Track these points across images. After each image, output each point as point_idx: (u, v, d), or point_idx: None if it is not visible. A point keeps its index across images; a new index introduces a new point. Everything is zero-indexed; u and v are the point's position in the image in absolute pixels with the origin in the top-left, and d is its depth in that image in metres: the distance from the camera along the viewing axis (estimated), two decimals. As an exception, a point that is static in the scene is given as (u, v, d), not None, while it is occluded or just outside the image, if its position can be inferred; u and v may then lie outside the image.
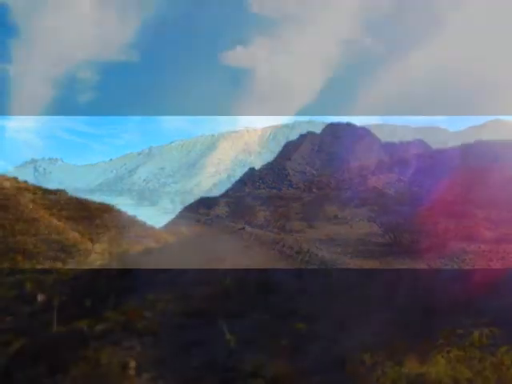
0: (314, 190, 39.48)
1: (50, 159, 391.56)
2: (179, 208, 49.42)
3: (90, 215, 20.50)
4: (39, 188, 23.42)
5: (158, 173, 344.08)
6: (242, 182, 48.95)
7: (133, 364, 6.61)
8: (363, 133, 61.99)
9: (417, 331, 6.71)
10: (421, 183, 35.01)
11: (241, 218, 28.83)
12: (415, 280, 10.39)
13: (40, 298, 10.27)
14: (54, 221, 18.37)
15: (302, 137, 60.43)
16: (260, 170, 51.41)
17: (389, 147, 59.42)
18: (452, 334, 6.17)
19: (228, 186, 55.82)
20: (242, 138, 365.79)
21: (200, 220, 32.82)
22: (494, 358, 5.47)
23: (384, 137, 73.72)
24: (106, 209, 21.91)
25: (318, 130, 67.67)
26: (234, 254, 14.36)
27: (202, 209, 37.59)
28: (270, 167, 51.29)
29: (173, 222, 35.49)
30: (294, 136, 67.07)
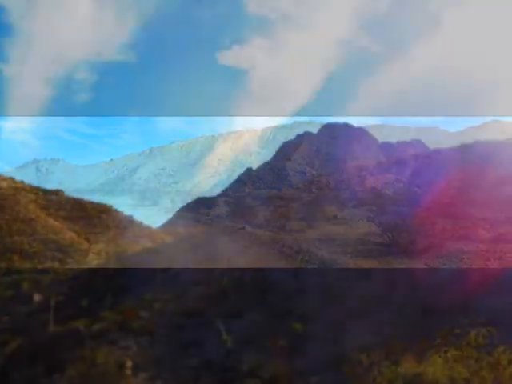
0: (314, 190, 39.50)
1: (51, 159, 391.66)
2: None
3: (87, 215, 20.47)
4: (36, 188, 23.37)
5: (159, 173, 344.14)
6: (242, 182, 48.95)
7: (129, 364, 6.59)
8: (360, 133, 62.10)
9: (414, 331, 6.70)
10: (419, 183, 35.04)
11: (241, 218, 28.82)
12: (413, 279, 10.38)
13: (37, 297, 10.24)
14: (51, 221, 18.33)
15: (300, 137, 60.47)
16: (259, 170, 51.41)
17: (387, 147, 59.58)
18: (449, 334, 6.17)
19: (228, 186, 55.75)
20: (241, 138, 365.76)
21: (200, 220, 32.83)
22: (490, 357, 5.47)
23: (382, 137, 73.82)
24: (103, 209, 21.89)
25: (317, 130, 67.58)
26: (233, 253, 14.32)
27: (201, 209, 37.60)
28: (269, 167, 51.30)
29: (170, 222, 35.48)
30: (293, 136, 66.90)
